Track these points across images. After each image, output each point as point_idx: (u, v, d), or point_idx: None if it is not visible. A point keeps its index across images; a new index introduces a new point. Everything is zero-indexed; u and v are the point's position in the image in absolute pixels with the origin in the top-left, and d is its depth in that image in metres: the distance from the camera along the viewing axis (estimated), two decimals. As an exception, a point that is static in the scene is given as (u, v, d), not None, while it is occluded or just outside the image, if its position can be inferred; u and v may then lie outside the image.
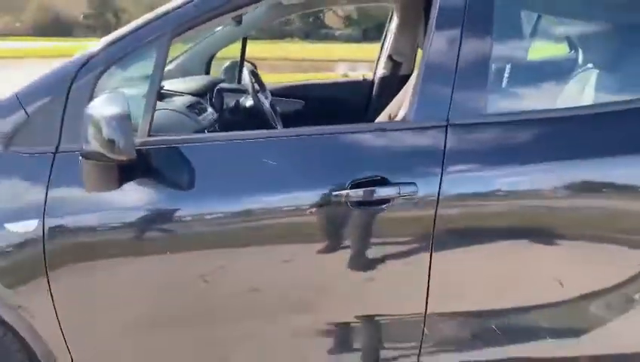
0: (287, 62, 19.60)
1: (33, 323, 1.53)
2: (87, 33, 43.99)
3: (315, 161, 1.51)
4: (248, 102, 2.39)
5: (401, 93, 2.20)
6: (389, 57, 2.80)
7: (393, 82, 2.68)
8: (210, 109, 2.36)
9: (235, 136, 1.60)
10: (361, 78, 3.09)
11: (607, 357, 1.55)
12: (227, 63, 3.07)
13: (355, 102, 2.76)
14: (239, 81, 2.97)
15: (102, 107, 1.34)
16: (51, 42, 30.79)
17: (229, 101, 2.56)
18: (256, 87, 2.50)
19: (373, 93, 2.89)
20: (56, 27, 41.62)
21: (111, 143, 1.32)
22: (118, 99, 1.35)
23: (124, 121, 1.32)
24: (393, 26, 2.81)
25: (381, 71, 2.87)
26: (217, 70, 3.02)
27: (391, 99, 2.20)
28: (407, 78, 2.51)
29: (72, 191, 1.48)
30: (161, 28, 1.54)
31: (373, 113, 2.48)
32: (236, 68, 2.98)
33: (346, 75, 13.49)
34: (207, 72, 2.90)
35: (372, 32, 41.04)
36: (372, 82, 2.94)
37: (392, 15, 2.86)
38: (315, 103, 2.75)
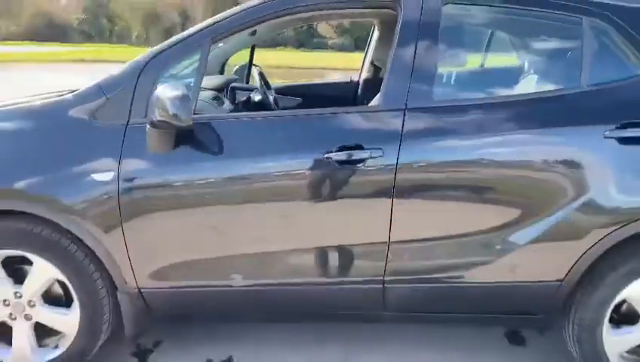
0: (280, 70, 20.12)
1: (110, 250, 2.12)
2: (82, 38, 44.56)
3: (314, 133, 2.12)
4: (257, 97, 2.98)
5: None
6: (371, 63, 3.43)
7: (374, 83, 3.30)
8: (227, 102, 2.97)
9: (251, 115, 2.21)
10: (349, 79, 3.73)
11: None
12: (237, 66, 3.67)
13: (343, 99, 3.36)
14: (247, 81, 3.58)
15: (168, 91, 1.94)
16: (47, 47, 31.33)
17: (240, 96, 3.15)
18: (263, 85, 3.13)
19: (359, 91, 3.51)
20: (52, 32, 42.10)
21: (174, 116, 1.92)
22: (179, 86, 1.96)
23: (185, 99, 1.93)
24: (375, 37, 3.45)
25: (365, 74, 3.50)
26: (229, 71, 3.63)
27: (373, 97, 2.81)
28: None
29: (137, 151, 2.07)
30: (204, 36, 2.16)
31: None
32: (245, 70, 3.59)
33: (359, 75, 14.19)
34: (222, 73, 3.51)
35: (363, 41, 41.87)
36: (357, 83, 3.57)
37: (373, 28, 3.49)
38: (311, 100, 3.35)
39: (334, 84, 4.11)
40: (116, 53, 25.43)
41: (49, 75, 15.98)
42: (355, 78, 3.66)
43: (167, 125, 1.95)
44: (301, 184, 2.07)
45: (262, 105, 2.92)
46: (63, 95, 2.23)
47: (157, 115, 1.94)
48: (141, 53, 2.25)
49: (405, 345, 2.55)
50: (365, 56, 3.54)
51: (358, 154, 2.04)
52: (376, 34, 3.42)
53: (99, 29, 46.92)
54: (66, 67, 18.93)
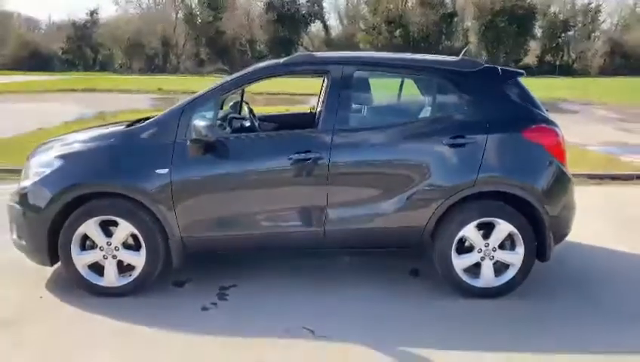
0: (261, 96, 21.35)
1: (165, 215, 3.65)
2: (66, 67, 45.90)
3: (284, 145, 3.70)
4: (247, 123, 4.56)
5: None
6: (322, 100, 5.07)
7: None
8: (228, 128, 4.55)
9: (246, 135, 3.83)
10: (308, 110, 5.34)
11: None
12: (232, 102, 5.24)
13: (306, 123, 4.92)
14: (239, 112, 5.16)
15: (201, 122, 3.51)
16: (32, 76, 32.62)
17: (236, 123, 4.71)
18: (251, 115, 4.72)
19: (316, 117, 5.12)
20: (36, 61, 43.33)
21: (205, 135, 3.48)
22: (205, 119, 3.55)
23: (210, 126, 3.50)
24: (325, 84, 5.08)
25: (319, 107, 5.13)
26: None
27: None
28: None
29: (181, 156, 3.62)
30: (216, 93, 3.78)
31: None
32: (238, 105, 5.16)
33: (312, 109, 15.91)
34: (221, 108, 5.08)
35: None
36: (315, 113, 5.18)
37: (324, 78, 5.12)
38: (283, 124, 4.93)
39: (300, 113, 5.74)
40: (102, 82, 26.92)
41: (46, 104, 17.36)
42: (315, 108, 5.28)
43: (200, 141, 3.52)
44: (277, 173, 3.66)
45: (250, 129, 4.50)
46: (137, 124, 3.81)
47: (194, 135, 3.52)
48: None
49: (345, 274, 4.11)
50: (320, 95, 5.16)
51: (308, 155, 3.63)
52: (325, 82, 5.07)
53: (82, 57, 48.40)
54: (59, 96, 20.29)
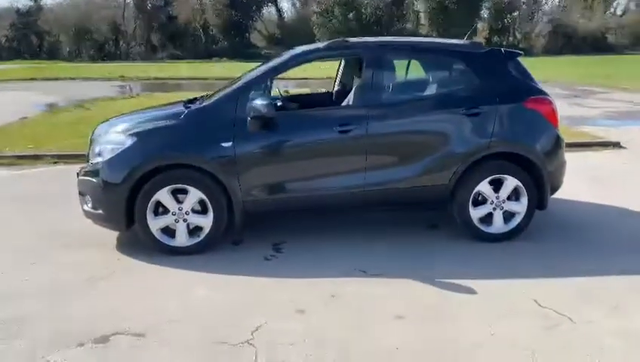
0: (206, 82, 21.24)
1: (230, 181, 4.23)
2: (12, 55, 44.28)
3: (329, 118, 4.35)
4: (279, 103, 5.16)
5: (348, 97, 5.08)
6: (340, 81, 5.70)
7: (343, 93, 5.52)
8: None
9: (296, 112, 4.48)
10: (325, 90, 5.99)
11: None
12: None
13: (324, 101, 5.55)
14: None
15: (259, 101, 4.11)
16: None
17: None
18: (281, 96, 5.32)
19: (333, 97, 5.74)
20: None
21: (266, 112, 4.08)
22: (266, 98, 4.14)
23: (270, 104, 4.10)
24: (341, 66, 5.71)
25: (336, 88, 5.76)
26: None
27: (342, 100, 5.07)
28: (348, 91, 5.38)
29: (242, 131, 4.19)
30: (273, 73, 4.37)
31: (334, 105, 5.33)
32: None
33: (286, 92, 16.41)
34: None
35: (296, 50, 44.27)
36: (331, 93, 5.82)
37: (341, 62, 5.75)
38: (304, 104, 5.55)
39: (317, 93, 6.38)
40: (60, 70, 26.39)
41: (14, 93, 17.16)
42: (333, 89, 5.93)
43: (259, 118, 4.11)
44: (324, 143, 4.31)
45: (282, 107, 5.09)
46: (198, 104, 4.37)
47: (254, 113, 4.11)
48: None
49: (374, 229, 4.82)
50: (336, 77, 5.80)
51: (349, 127, 4.28)
52: (342, 65, 5.72)
53: (28, 45, 46.71)
54: (23, 85, 19.98)
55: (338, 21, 46.27)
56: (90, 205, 4.37)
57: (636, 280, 3.88)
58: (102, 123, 4.88)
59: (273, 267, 4.15)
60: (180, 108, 4.55)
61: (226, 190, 4.25)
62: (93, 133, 4.73)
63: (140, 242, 4.39)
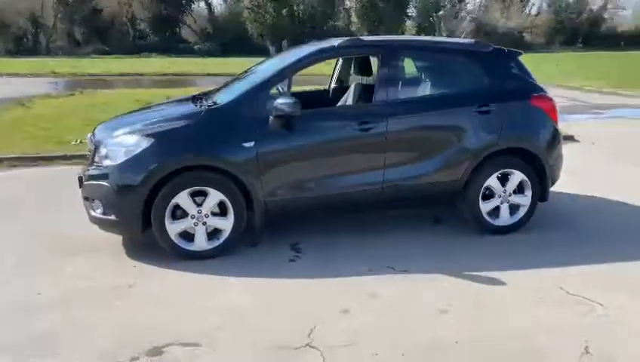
0: (145, 78, 20.56)
1: (252, 181, 4.13)
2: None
3: (351, 116, 4.37)
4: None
5: (345, 94, 5.10)
6: (337, 78, 5.71)
7: (340, 90, 5.53)
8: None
9: (317, 110, 4.44)
10: (322, 89, 5.99)
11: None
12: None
13: (321, 99, 5.52)
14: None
15: (282, 100, 4.04)
16: None
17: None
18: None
19: (330, 94, 5.73)
20: None
21: (291, 111, 4.02)
22: (289, 96, 4.08)
23: (295, 103, 4.04)
24: (339, 65, 5.72)
25: (333, 85, 5.75)
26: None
27: (339, 98, 5.10)
28: (346, 88, 5.40)
29: (263, 129, 4.12)
30: (290, 71, 4.30)
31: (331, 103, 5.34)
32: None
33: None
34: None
35: (230, 45, 43.59)
36: (328, 90, 5.81)
37: (337, 60, 5.74)
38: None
39: (316, 91, 6.32)
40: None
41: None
42: (329, 86, 5.89)
43: (282, 116, 4.05)
44: (345, 141, 4.31)
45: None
46: (213, 103, 4.24)
47: (279, 111, 4.04)
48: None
49: (381, 225, 4.88)
50: (332, 75, 5.80)
51: (369, 125, 4.31)
52: (339, 63, 5.73)
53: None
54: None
55: (271, 17, 46.04)
56: (99, 211, 4.13)
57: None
58: (101, 124, 4.63)
59: (300, 268, 4.11)
60: (193, 107, 4.39)
61: (247, 191, 4.15)
62: (94, 135, 4.48)
63: (148, 247, 4.23)
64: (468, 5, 54.97)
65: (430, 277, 3.94)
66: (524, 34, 54.17)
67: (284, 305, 3.55)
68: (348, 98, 5.07)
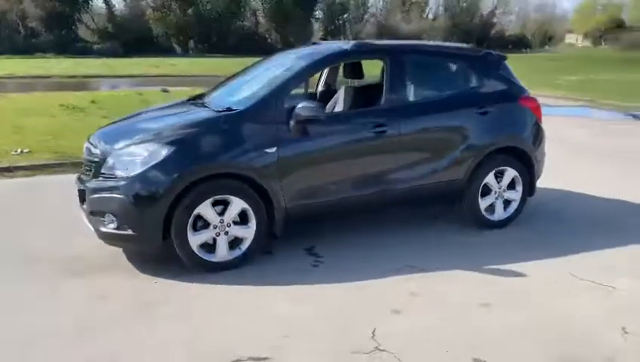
0: (54, 80, 19.11)
1: (273, 188, 4.05)
2: None
3: (367, 119, 4.39)
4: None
5: (334, 98, 5.15)
6: (325, 82, 5.72)
7: (328, 94, 5.55)
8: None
9: (338, 113, 4.54)
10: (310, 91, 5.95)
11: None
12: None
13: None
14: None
15: (307, 104, 4.00)
16: None
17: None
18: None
19: (317, 98, 5.72)
20: None
21: (315, 115, 4.00)
22: (312, 102, 4.04)
23: (318, 107, 4.01)
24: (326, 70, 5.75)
25: (320, 88, 5.76)
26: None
27: (327, 102, 5.15)
28: (334, 92, 5.43)
29: (284, 133, 4.05)
30: (306, 75, 4.29)
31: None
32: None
33: (165, 90, 15.48)
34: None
35: (134, 45, 41.59)
36: (315, 94, 5.80)
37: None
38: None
39: (303, 94, 6.17)
40: None
41: None
42: (316, 89, 5.84)
43: (304, 121, 4.01)
44: (364, 143, 4.36)
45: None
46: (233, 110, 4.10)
47: (303, 116, 4.00)
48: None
49: (384, 226, 4.98)
50: (320, 78, 5.79)
51: (383, 128, 4.39)
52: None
53: None
54: None
55: (177, 16, 44.69)
56: (113, 225, 3.85)
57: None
58: (99, 133, 4.34)
59: (325, 273, 4.09)
60: (208, 112, 4.23)
61: (268, 197, 4.07)
62: (94, 145, 4.17)
63: (160, 260, 4.07)
64: (372, 8, 56.80)
65: (454, 274, 4.06)
66: (423, 36, 56.98)
67: (333, 311, 3.52)
68: (338, 101, 5.10)
